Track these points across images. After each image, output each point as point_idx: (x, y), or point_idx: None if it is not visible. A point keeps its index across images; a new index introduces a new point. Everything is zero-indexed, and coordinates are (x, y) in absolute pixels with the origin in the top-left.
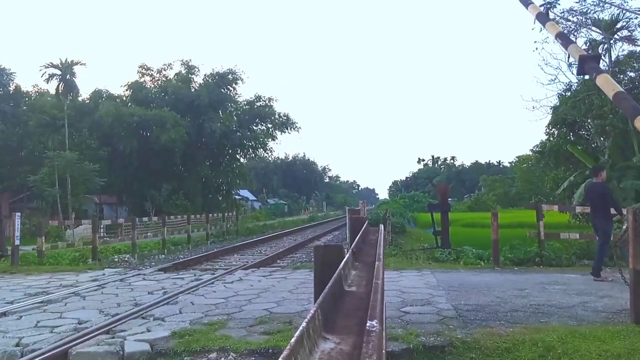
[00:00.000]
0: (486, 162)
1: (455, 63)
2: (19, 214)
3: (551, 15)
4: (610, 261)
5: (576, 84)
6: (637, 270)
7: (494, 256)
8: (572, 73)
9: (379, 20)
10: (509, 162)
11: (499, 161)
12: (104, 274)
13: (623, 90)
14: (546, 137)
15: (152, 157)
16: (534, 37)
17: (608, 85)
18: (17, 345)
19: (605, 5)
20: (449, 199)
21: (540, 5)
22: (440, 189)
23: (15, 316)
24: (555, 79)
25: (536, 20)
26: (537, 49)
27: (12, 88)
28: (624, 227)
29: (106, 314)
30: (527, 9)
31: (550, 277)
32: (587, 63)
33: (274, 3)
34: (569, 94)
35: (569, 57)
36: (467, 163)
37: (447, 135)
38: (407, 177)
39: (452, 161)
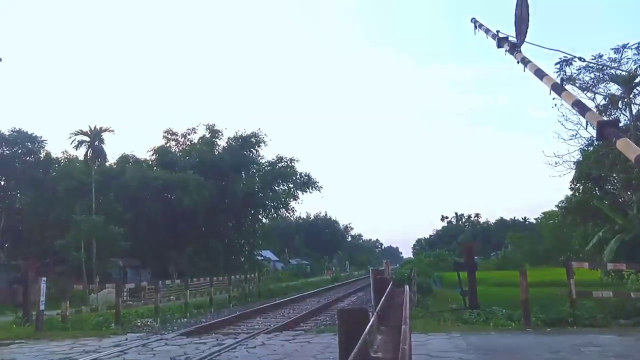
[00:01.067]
0: (511, 219)
1: (476, 119)
2: (44, 279)
3: (568, 71)
4: None
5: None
6: None
7: (525, 317)
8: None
9: (400, 78)
10: (535, 218)
11: (525, 217)
12: (126, 339)
13: None
14: (571, 192)
15: (175, 219)
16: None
17: (629, 149)
18: None
19: (623, 61)
20: (475, 257)
21: (557, 76)
22: (465, 247)
23: None
24: (576, 134)
25: (552, 91)
26: (555, 105)
27: (42, 155)
28: None
29: None
30: (541, 80)
31: (585, 339)
32: (605, 128)
33: (295, 65)
34: (591, 148)
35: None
36: (492, 220)
37: (470, 192)
38: (431, 235)
39: (476, 218)
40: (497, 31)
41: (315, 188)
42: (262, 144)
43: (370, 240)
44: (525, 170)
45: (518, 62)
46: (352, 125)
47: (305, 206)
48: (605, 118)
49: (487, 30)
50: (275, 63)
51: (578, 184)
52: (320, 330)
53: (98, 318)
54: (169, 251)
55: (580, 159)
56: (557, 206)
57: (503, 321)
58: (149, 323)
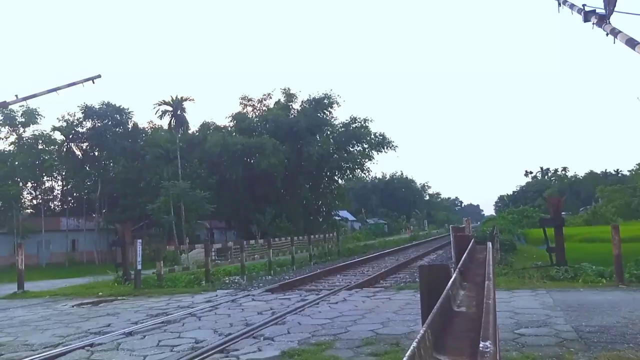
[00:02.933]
0: (602, 172)
1: (561, 64)
2: (140, 240)
3: None
4: None
5: None
6: None
7: (618, 273)
8: None
9: (476, 31)
10: (629, 170)
11: (617, 170)
12: (216, 295)
13: None
14: None
15: (255, 182)
16: None
17: None
18: None
19: None
20: (563, 213)
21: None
22: (552, 203)
23: (139, 336)
24: None
25: None
26: None
27: (130, 126)
28: None
29: (220, 334)
30: (634, 50)
31: None
32: None
33: (369, 24)
34: None
35: None
36: (581, 173)
37: (556, 145)
38: (514, 192)
39: (563, 172)
40: (584, 5)
41: (390, 147)
42: (335, 105)
43: (449, 198)
44: (618, 117)
45: (607, 34)
46: (428, 81)
47: (381, 166)
48: None
49: (571, 6)
50: (346, 20)
51: None
52: (400, 287)
53: (189, 276)
54: (251, 213)
55: None
56: None
57: (593, 277)
58: (236, 280)
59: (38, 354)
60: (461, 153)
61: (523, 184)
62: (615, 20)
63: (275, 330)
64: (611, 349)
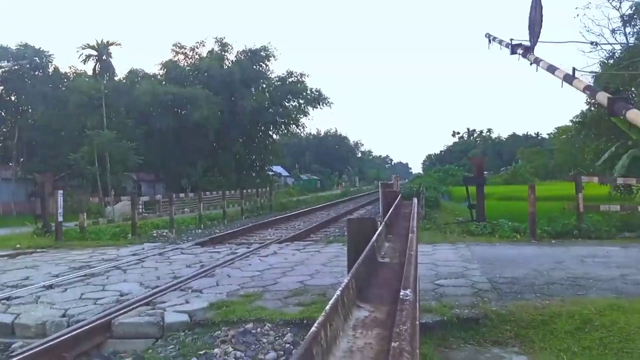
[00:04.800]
0: (524, 134)
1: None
2: (61, 191)
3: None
4: None
5: (619, 51)
6: None
7: (531, 229)
8: (615, 40)
9: None
10: (548, 134)
11: (537, 133)
12: (143, 249)
13: None
14: (587, 106)
15: (186, 134)
16: (575, 3)
17: (638, 117)
18: (63, 316)
19: None
20: (485, 172)
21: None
22: (475, 162)
23: (61, 289)
24: (596, 46)
25: (564, 83)
26: (578, 15)
27: (50, 70)
28: None
29: (146, 287)
30: (554, 74)
31: (589, 250)
32: (616, 103)
33: None
34: (611, 61)
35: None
36: (504, 135)
37: (483, 107)
38: (441, 151)
39: (488, 133)
40: (511, 39)
41: (325, 104)
42: (272, 58)
43: (380, 156)
44: (540, 84)
45: (531, 64)
46: (363, 40)
47: (315, 122)
48: (615, 95)
49: (500, 41)
50: None
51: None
52: (330, 240)
53: (115, 229)
54: (181, 166)
55: (600, 72)
56: (571, 121)
57: (509, 233)
58: (164, 234)
59: None
60: (393, 113)
61: (450, 144)
62: (538, 49)
63: (203, 282)
64: (521, 298)
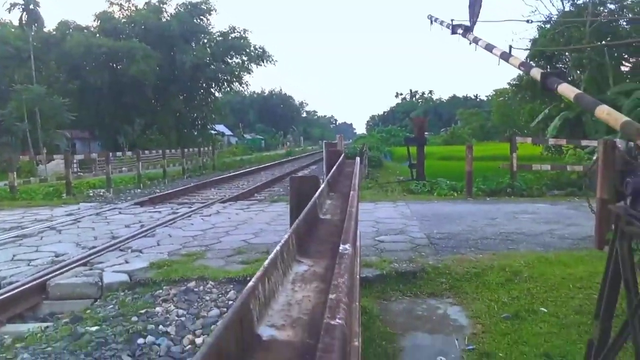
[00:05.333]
0: (464, 96)
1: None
2: None
3: None
4: (580, 191)
5: (556, 16)
6: (603, 199)
7: (467, 187)
8: (553, 5)
9: None
10: (486, 96)
11: (476, 95)
12: (79, 209)
13: (580, 91)
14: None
15: (123, 90)
16: None
17: (568, 91)
18: None
19: None
20: (426, 133)
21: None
22: (417, 123)
23: None
24: (535, 10)
25: (500, 60)
26: None
27: None
28: (595, 157)
29: (83, 247)
30: (491, 52)
31: (520, 207)
32: (548, 78)
33: None
34: (548, 26)
35: None
36: (445, 97)
37: (425, 69)
38: (385, 112)
39: (430, 95)
40: (452, 20)
41: (269, 61)
42: (213, 12)
43: (325, 116)
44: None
45: (470, 43)
46: (308, 2)
47: (260, 82)
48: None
49: (441, 22)
50: None
51: (531, 62)
52: (274, 200)
53: (48, 189)
54: (118, 123)
55: (537, 36)
56: (508, 84)
57: (446, 191)
58: (101, 193)
59: None
60: (339, 73)
61: (393, 104)
62: (478, 29)
63: (143, 242)
64: (456, 253)
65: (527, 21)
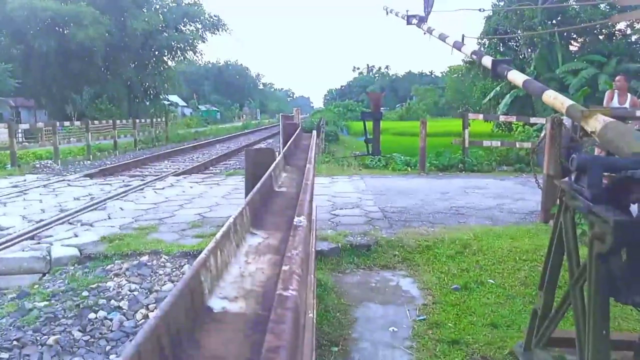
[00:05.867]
0: (419, 72)
1: None
2: None
3: None
4: (527, 167)
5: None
6: (549, 175)
7: (421, 162)
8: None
9: None
10: (441, 72)
11: (431, 71)
12: (25, 180)
13: (528, 77)
14: (478, 47)
15: (71, 57)
16: None
17: (517, 77)
18: None
19: None
20: (382, 108)
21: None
22: (373, 98)
23: None
24: (483, 11)
25: (453, 48)
26: None
27: None
28: (542, 134)
29: (30, 220)
30: (445, 42)
31: (471, 182)
32: (499, 65)
33: None
34: (502, 3)
35: None
36: (401, 72)
37: (383, 44)
38: (342, 86)
39: (386, 70)
40: (407, 10)
41: (224, 30)
42: None
43: (282, 89)
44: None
45: (425, 33)
46: None
47: (215, 52)
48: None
49: (397, 13)
50: None
51: (485, 39)
52: (229, 173)
53: None
54: (65, 92)
55: (491, 14)
56: (462, 60)
57: (401, 166)
58: (48, 165)
59: None
60: (297, 46)
61: (351, 79)
62: (433, 16)
63: (94, 215)
64: (409, 226)
65: (480, 10)
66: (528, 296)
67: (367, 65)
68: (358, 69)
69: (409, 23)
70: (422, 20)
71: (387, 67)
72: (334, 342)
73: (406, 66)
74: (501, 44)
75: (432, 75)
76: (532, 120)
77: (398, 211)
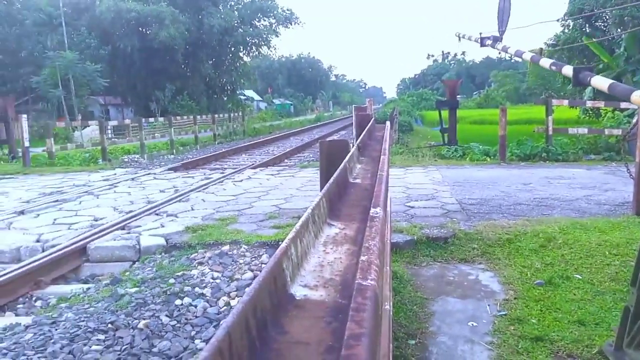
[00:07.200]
0: (497, 58)
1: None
2: (25, 115)
3: None
4: (617, 155)
5: None
6: None
7: (501, 152)
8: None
9: None
10: None
11: (511, 56)
12: (115, 174)
13: (613, 81)
14: (561, 29)
15: (153, 55)
16: None
17: (601, 82)
18: (38, 241)
19: None
20: (458, 96)
21: None
22: (448, 86)
23: (33, 214)
24: (561, 20)
25: (531, 62)
26: None
27: None
28: (634, 120)
29: (120, 211)
30: (521, 58)
31: (555, 172)
32: (580, 73)
33: None
34: None
35: None
36: (478, 58)
37: (458, 29)
38: (415, 75)
39: (462, 56)
40: (480, 33)
41: (297, 23)
42: None
43: (354, 80)
44: (519, 5)
45: (499, 53)
46: None
47: (288, 47)
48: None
49: (469, 37)
50: None
51: (569, 20)
52: (304, 165)
53: (84, 154)
54: (149, 89)
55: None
56: (545, 44)
57: (479, 156)
58: (135, 159)
59: None
60: (368, 36)
61: (425, 67)
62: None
63: (178, 207)
64: (488, 219)
65: (558, 20)
66: (619, 292)
67: (442, 52)
68: (432, 56)
69: (482, 45)
70: (496, 40)
71: (463, 53)
72: (411, 335)
73: (484, 52)
74: (587, 25)
75: (512, 60)
76: (623, 105)
77: (477, 203)
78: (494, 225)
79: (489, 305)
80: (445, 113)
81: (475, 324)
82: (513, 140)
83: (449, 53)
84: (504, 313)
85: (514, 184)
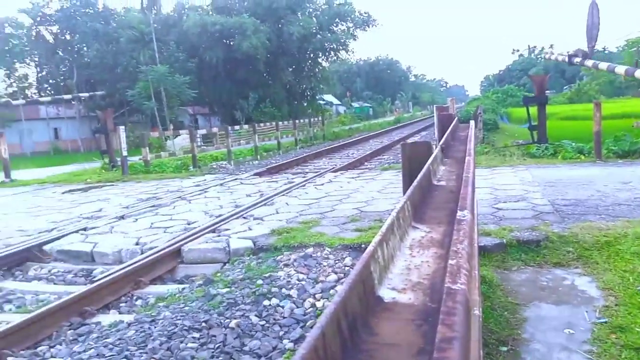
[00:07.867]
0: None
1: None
2: (123, 127)
3: None
4: None
5: None
6: None
7: (596, 149)
8: None
9: None
10: (617, 47)
11: (604, 47)
12: (204, 180)
13: None
14: None
15: (236, 66)
16: None
17: None
18: (137, 244)
19: None
20: (547, 91)
21: None
22: (536, 81)
23: (132, 219)
24: None
25: (625, 75)
26: None
27: (100, 7)
28: None
29: (211, 215)
30: (614, 72)
31: None
32: None
33: None
34: None
35: None
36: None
37: (545, 22)
38: (500, 71)
39: (550, 50)
40: (567, 52)
41: (374, 26)
42: None
43: (434, 79)
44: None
45: (589, 69)
46: None
47: (365, 49)
48: None
49: (556, 58)
50: None
51: None
52: (384, 168)
53: (176, 162)
54: (234, 98)
55: None
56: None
57: (572, 154)
58: (223, 165)
59: (33, 238)
60: (448, 33)
61: (510, 62)
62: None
63: (264, 210)
64: (584, 220)
65: None
66: None
67: (528, 46)
68: (517, 51)
69: (571, 63)
70: (585, 56)
71: (551, 46)
72: (502, 341)
73: (574, 44)
74: None
75: (606, 52)
76: None
77: (571, 204)
78: (590, 227)
79: (586, 311)
80: (533, 109)
81: (572, 331)
82: (609, 136)
83: (535, 47)
84: (604, 320)
85: (611, 183)
